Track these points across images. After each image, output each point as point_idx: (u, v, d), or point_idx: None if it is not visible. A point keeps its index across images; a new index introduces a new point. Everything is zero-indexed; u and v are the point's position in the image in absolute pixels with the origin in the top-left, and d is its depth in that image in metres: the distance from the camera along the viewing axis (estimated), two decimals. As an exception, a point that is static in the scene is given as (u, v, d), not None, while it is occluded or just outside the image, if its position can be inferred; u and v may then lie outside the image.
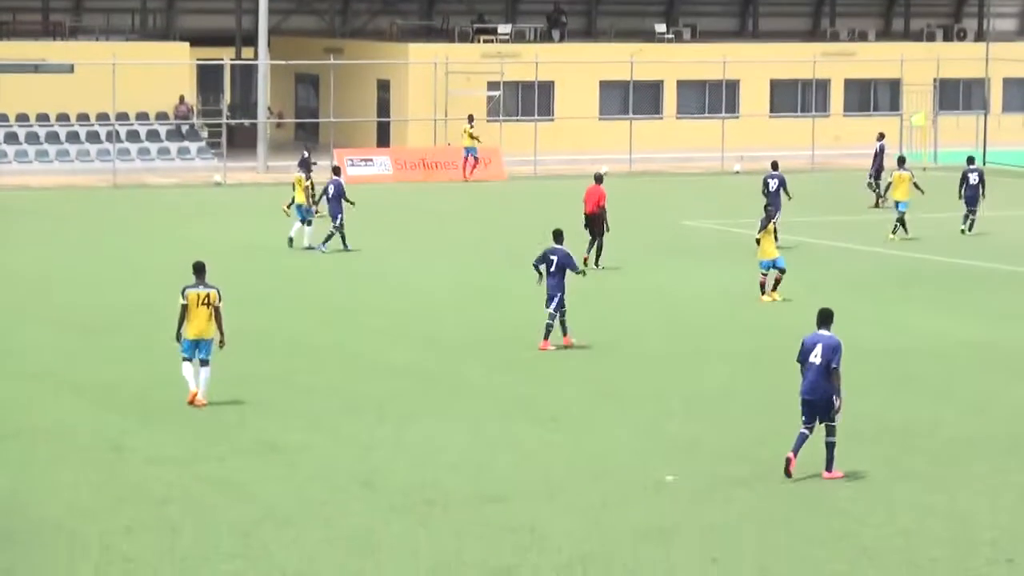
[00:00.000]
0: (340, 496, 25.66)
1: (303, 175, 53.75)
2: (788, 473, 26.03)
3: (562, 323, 37.97)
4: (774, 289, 42.99)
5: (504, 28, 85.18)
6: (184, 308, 30.83)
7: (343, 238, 51.48)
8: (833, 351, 26.09)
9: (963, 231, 57.17)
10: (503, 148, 75.95)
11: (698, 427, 30.27)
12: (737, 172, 74.91)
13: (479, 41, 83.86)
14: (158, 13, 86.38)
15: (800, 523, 24.28)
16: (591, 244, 48.56)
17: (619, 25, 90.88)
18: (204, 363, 30.96)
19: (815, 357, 26.16)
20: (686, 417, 31.14)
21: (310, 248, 51.60)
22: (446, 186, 70.86)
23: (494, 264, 50.61)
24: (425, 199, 64.42)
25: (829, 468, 26.32)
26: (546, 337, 37.75)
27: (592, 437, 29.46)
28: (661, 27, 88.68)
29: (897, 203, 56.15)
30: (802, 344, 26.55)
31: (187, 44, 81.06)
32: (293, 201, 52.90)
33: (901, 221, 55.72)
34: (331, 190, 51.52)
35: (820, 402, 26.12)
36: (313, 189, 53.45)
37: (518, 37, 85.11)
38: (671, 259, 51.32)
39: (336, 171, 54.64)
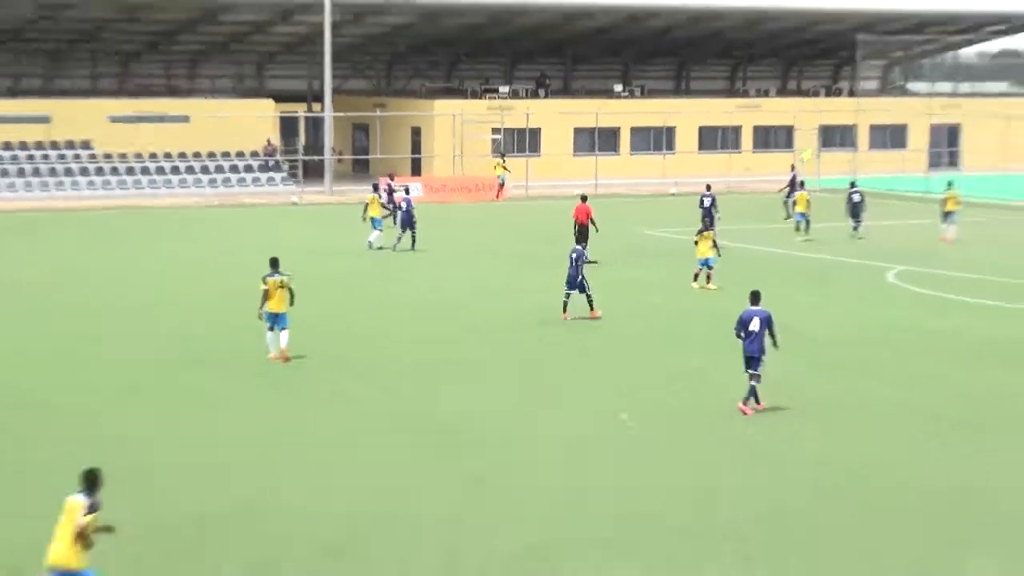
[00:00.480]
0: (382, 424, 29.55)
1: (376, 195, 59.67)
2: (744, 407, 30.43)
3: (588, 300, 41.97)
4: (708, 281, 47.34)
5: (504, 88, 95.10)
6: (265, 292, 34.98)
7: (414, 240, 56.86)
8: (767, 320, 30.48)
9: (853, 236, 62.62)
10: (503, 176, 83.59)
11: (653, 377, 34.32)
12: (673, 194, 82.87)
13: (486, 98, 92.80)
14: (251, 78, 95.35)
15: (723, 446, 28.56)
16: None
17: (588, 86, 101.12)
18: (283, 328, 35.04)
19: (754, 325, 30.35)
20: (645, 370, 35.07)
21: (381, 248, 56.90)
22: (464, 205, 77.39)
23: (510, 264, 54.77)
24: (449, 214, 69.73)
25: (757, 401, 30.55)
26: (565, 310, 42.04)
27: (571, 383, 33.48)
28: (619, 87, 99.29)
29: (799, 213, 62.87)
30: (740, 317, 30.78)
31: (272, 101, 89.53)
32: (366, 211, 58.69)
33: (804, 224, 62.20)
34: (404, 206, 57.87)
35: (758, 356, 30.30)
36: (393, 204, 60.55)
37: (514, 95, 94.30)
38: (637, 258, 55.83)
39: (407, 191, 61.89)
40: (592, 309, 42.31)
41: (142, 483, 24.41)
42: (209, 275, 51.29)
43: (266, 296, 35.24)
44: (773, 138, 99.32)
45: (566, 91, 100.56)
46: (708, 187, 63.87)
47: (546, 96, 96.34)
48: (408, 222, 57.49)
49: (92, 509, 17.62)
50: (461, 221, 68.92)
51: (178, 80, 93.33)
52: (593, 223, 54.04)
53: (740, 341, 30.78)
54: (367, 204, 59.72)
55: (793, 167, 74.21)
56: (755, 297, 31.16)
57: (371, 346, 38.52)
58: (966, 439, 29.01)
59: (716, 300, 45.21)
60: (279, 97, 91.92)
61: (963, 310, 44.59)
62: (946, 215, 63.06)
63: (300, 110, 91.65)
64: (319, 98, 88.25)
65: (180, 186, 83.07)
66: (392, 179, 69.13)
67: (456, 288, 49.18)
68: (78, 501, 17.64)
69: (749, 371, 30.58)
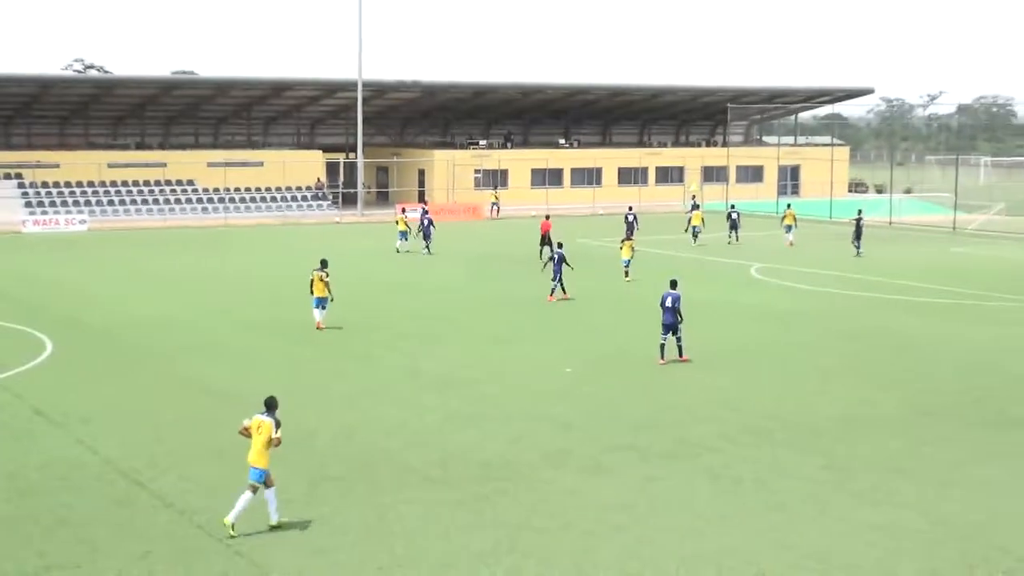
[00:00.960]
0: (397, 377, 29.48)
1: (403, 215, 61.01)
2: (661, 359, 30.84)
3: (562, 286, 42.32)
4: (626, 276, 47.53)
5: (483, 142, 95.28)
6: (311, 281, 35.68)
7: (428, 247, 57.92)
8: (677, 298, 30.83)
9: (730, 242, 63.56)
10: (481, 203, 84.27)
11: (598, 343, 34.41)
12: (600, 214, 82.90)
13: (470, 148, 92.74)
14: (306, 135, 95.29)
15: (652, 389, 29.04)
16: (546, 251, 52.28)
17: (541, 139, 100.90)
18: (323, 308, 35.60)
19: (667, 302, 30.77)
20: (589, 338, 35.10)
21: (408, 252, 57.94)
22: (456, 223, 76.10)
23: (492, 264, 53.87)
24: (445, 229, 66.86)
25: (681, 355, 30.90)
26: (551, 294, 42.30)
27: (533, 348, 33.32)
28: (562, 141, 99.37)
29: (694, 227, 63.62)
30: (662, 296, 31.08)
31: (321, 151, 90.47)
32: (398, 225, 59.93)
33: (695, 234, 63.19)
34: (426, 221, 59.11)
35: (671, 324, 30.67)
36: (430, 222, 59.55)
37: (490, 146, 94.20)
38: (580, 260, 52.72)
39: (425, 211, 62.21)
40: (565, 292, 42.69)
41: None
42: (282, 267, 51.57)
43: (311, 284, 35.92)
44: (670, 175, 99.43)
45: (526, 143, 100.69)
46: (631, 208, 64.89)
47: (512, 147, 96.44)
48: (427, 234, 59.00)
49: (278, 425, 18.43)
50: (455, 233, 68.71)
51: (255, 136, 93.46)
52: (550, 237, 53.62)
53: (661, 312, 31.15)
54: (397, 221, 61.27)
55: (694, 196, 75.70)
56: (673, 283, 31.60)
57: (388, 318, 38.60)
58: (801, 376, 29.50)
59: (635, 287, 45.87)
60: (326, 148, 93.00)
61: (794, 293, 45.13)
62: (787, 227, 64.40)
63: (340, 157, 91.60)
64: (353, 149, 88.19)
65: (256, 211, 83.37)
66: (426, 205, 68.16)
67: (453, 278, 49.04)
68: (266, 419, 18.37)
69: (669, 334, 30.82)
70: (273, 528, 18.30)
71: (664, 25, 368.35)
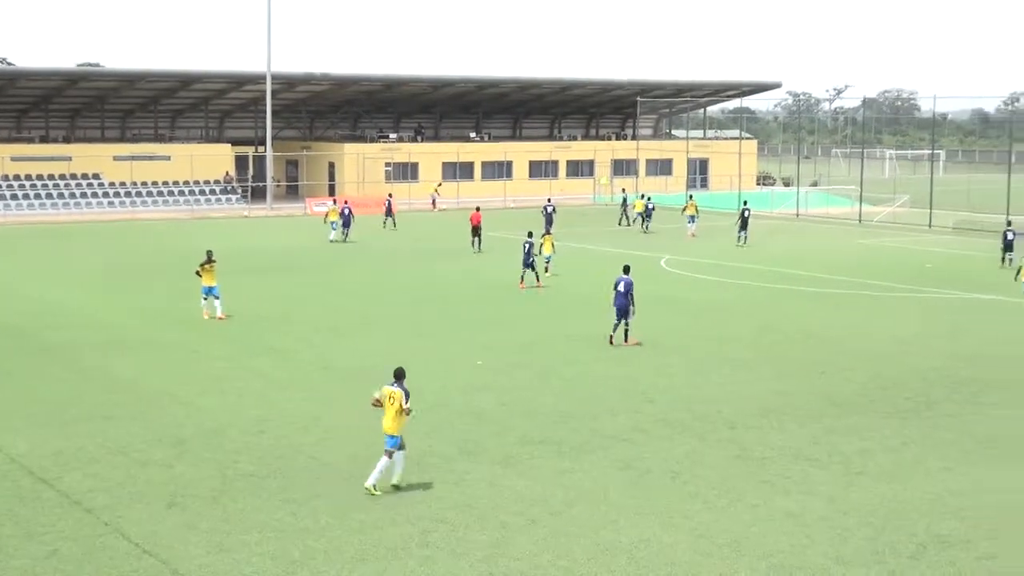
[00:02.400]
0: (308, 371, 29.38)
1: (334, 207, 63.08)
2: (611, 343, 31.84)
3: (535, 273, 43.42)
4: (546, 271, 46.05)
5: (393, 135, 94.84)
6: (200, 268, 35.98)
7: (346, 236, 60.58)
8: (630, 283, 31.60)
9: (643, 232, 65.47)
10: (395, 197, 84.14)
11: (514, 335, 34.21)
12: (512, 207, 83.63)
13: (380, 142, 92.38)
14: (214, 128, 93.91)
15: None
16: (476, 241, 55.30)
17: (452, 133, 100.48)
18: (217, 297, 35.72)
19: (620, 287, 31.54)
20: (505, 331, 35.02)
21: (333, 241, 60.20)
22: (366, 216, 73.38)
23: (428, 246, 52.12)
24: (358, 222, 66.48)
25: (627, 340, 31.80)
26: (522, 280, 43.27)
27: (447, 341, 33.06)
28: (473, 134, 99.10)
29: (640, 213, 66.53)
30: (616, 280, 31.89)
31: (230, 145, 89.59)
32: (327, 218, 62.30)
33: (637, 218, 65.96)
34: (346, 212, 61.53)
35: (623, 309, 31.48)
36: (350, 213, 62.27)
37: (400, 140, 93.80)
38: (496, 249, 55.69)
39: (346, 203, 64.48)
40: (537, 280, 43.59)
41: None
42: (186, 261, 50.24)
43: (200, 271, 36.26)
44: (580, 169, 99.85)
45: (436, 137, 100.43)
46: (549, 199, 65.54)
47: (422, 141, 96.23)
48: (347, 223, 61.92)
49: (407, 395, 19.48)
50: (372, 226, 68.29)
51: (163, 130, 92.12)
52: (481, 227, 56.85)
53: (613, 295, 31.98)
54: (327, 212, 63.56)
55: (624, 189, 77.38)
56: (626, 268, 32.23)
57: (298, 308, 38.29)
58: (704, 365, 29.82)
59: (554, 280, 45.53)
60: (234, 142, 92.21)
61: (705, 284, 45.51)
62: (690, 218, 65.02)
63: (249, 151, 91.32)
64: (263, 142, 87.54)
65: (165, 205, 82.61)
66: (347, 202, 67.73)
67: (371, 270, 48.89)
68: (396, 389, 19.43)
69: (619, 318, 31.60)
70: (395, 487, 19.55)
71: (574, 19, 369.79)
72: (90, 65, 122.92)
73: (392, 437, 19.47)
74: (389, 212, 69.97)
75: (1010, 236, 53.09)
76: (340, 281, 46.40)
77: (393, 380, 19.64)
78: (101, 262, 52.61)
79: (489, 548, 17.19)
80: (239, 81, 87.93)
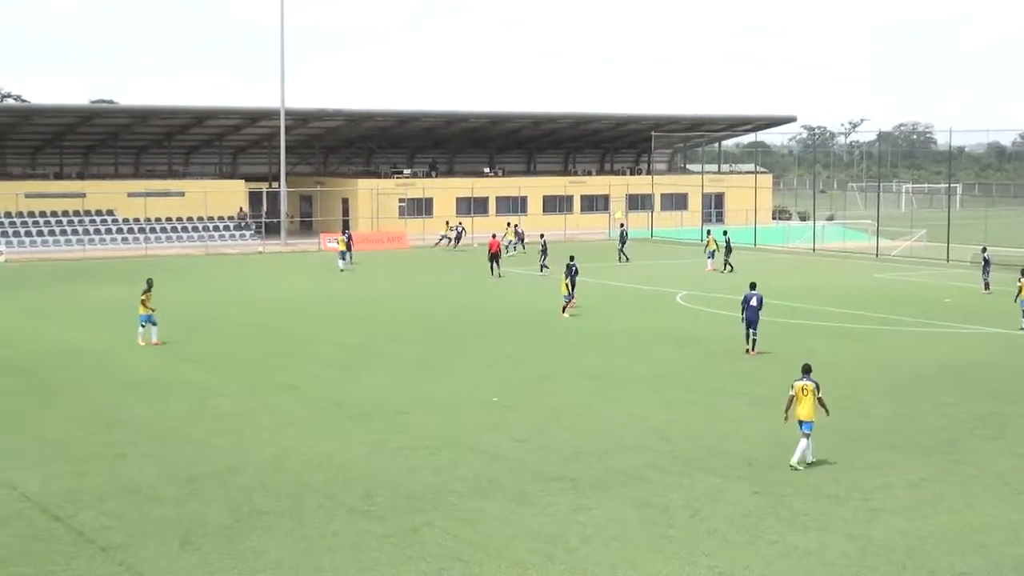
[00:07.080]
0: (321, 408, 29.21)
1: (344, 237, 66.92)
2: (747, 353, 34.96)
3: (570, 296, 44.83)
4: (563, 311, 47.10)
5: (407, 171, 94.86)
6: (144, 296, 37.37)
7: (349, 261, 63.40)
8: (761, 298, 33.79)
9: (724, 271, 63.55)
10: (407, 231, 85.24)
11: (525, 371, 34.21)
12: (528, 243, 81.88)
13: (394, 178, 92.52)
14: (228, 164, 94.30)
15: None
16: (495, 266, 58.21)
17: (465, 168, 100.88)
18: (154, 324, 37.29)
19: (753, 301, 33.69)
20: (516, 367, 34.88)
21: (343, 271, 63.48)
22: (379, 251, 75.65)
23: (444, 281, 51.40)
24: (371, 258, 68.97)
25: (752, 350, 34.76)
26: (564, 309, 44.74)
27: (460, 376, 32.82)
28: (487, 169, 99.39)
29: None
30: (744, 296, 34.27)
31: (243, 181, 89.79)
32: (339, 246, 66.09)
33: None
34: (347, 239, 65.26)
35: (753, 321, 33.81)
36: (350, 239, 66.67)
37: (414, 175, 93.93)
38: (506, 287, 54.42)
39: (350, 237, 68.22)
40: (570, 303, 45.20)
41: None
42: (200, 296, 50.50)
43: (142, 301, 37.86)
44: (595, 204, 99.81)
45: (450, 172, 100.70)
46: (541, 236, 66.41)
47: (436, 176, 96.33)
48: (348, 247, 66.46)
49: (818, 386, 23.32)
50: (388, 262, 68.10)
51: (176, 166, 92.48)
52: (500, 252, 60.33)
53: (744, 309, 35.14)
54: (339, 242, 67.45)
55: (622, 224, 76.48)
56: (752, 285, 34.44)
57: (305, 345, 38.10)
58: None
59: (568, 317, 45.61)
60: (248, 178, 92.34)
61: (719, 320, 44.93)
62: (710, 254, 65.56)
63: (263, 187, 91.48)
64: (276, 178, 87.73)
65: (179, 242, 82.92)
66: (349, 232, 72.73)
67: (383, 293, 48.44)
68: (809, 383, 23.21)
69: (750, 330, 34.76)
70: (809, 465, 23.01)
71: (588, 54, 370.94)
72: (104, 102, 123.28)
73: (809, 423, 22.95)
74: (521, 239, 76.89)
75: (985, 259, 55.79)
76: (346, 316, 46.37)
77: (802, 375, 23.31)
78: (113, 298, 52.28)
79: (505, 586, 16.97)
80: (253, 117, 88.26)
